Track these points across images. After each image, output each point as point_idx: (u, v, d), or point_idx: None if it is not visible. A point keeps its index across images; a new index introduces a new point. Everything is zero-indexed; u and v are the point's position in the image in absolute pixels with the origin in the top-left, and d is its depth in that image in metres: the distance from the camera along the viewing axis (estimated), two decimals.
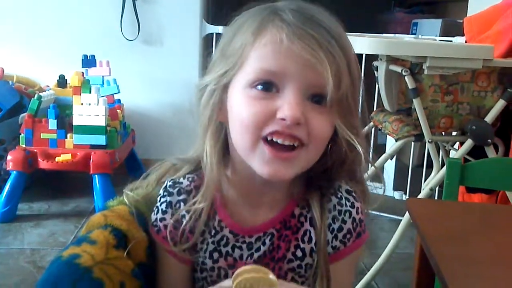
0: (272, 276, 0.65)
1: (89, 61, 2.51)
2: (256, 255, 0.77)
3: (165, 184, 0.79)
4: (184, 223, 0.76)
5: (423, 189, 1.83)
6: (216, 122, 0.75)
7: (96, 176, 2.39)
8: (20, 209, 2.45)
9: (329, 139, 0.74)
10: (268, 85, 0.69)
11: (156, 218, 0.78)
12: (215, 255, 0.77)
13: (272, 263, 0.77)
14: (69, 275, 0.67)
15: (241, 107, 0.70)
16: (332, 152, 0.77)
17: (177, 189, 0.78)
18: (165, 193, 0.78)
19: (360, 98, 0.76)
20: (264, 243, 0.77)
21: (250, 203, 0.78)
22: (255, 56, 0.69)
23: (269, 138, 0.69)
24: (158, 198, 0.79)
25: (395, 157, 2.71)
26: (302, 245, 0.77)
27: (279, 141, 0.69)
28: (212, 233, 0.77)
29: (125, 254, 0.74)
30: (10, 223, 2.36)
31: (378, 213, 2.47)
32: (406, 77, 1.68)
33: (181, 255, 0.77)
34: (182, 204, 0.77)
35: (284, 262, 0.77)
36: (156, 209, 0.79)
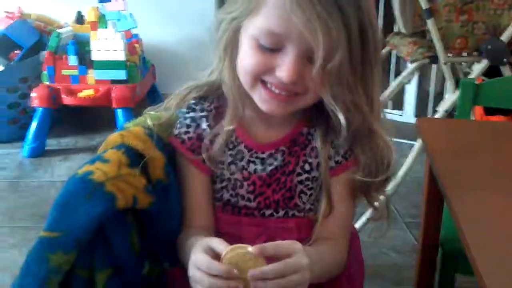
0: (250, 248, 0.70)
1: None
2: (268, 169, 0.85)
3: (189, 103, 0.87)
4: (206, 136, 0.84)
5: (437, 111, 1.83)
6: (231, 53, 0.81)
7: (119, 110, 2.45)
8: (49, 144, 2.55)
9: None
10: (271, 44, 0.74)
11: (180, 132, 0.86)
12: (232, 167, 0.85)
13: (284, 177, 0.85)
14: (82, 190, 0.74)
15: (245, 54, 0.77)
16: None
17: (199, 106, 0.87)
18: (189, 110, 0.87)
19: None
20: (276, 159, 0.85)
21: (263, 122, 0.86)
22: (263, 13, 0.74)
23: (268, 85, 0.77)
24: (182, 114, 0.87)
25: (416, 83, 2.68)
26: (309, 160, 0.85)
27: (276, 91, 0.77)
28: (230, 147, 0.85)
29: (139, 171, 0.80)
30: (40, 157, 2.46)
31: (399, 140, 2.46)
32: None
33: (203, 165, 0.85)
34: (204, 120, 0.85)
35: (294, 175, 0.85)
36: (180, 124, 0.87)
